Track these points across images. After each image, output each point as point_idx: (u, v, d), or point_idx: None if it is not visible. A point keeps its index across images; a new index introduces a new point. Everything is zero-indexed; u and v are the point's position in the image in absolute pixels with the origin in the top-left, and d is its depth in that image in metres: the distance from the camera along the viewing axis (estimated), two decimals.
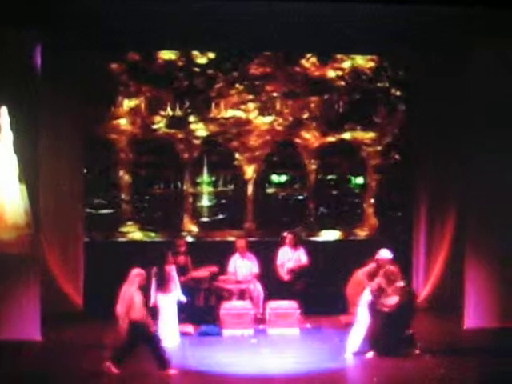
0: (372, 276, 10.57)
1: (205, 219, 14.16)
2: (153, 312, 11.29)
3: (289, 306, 12.14)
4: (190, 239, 13.71)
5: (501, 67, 11.75)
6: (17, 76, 11.17)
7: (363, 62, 14.11)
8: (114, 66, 13.60)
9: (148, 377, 9.84)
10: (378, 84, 14.16)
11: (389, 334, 10.36)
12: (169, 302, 11.42)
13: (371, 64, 14.13)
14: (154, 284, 11.44)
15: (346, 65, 14.08)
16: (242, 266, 12.84)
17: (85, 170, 13.37)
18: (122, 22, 12.01)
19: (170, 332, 11.33)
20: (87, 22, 11.97)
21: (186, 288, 11.86)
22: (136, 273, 9.94)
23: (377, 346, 10.40)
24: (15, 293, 11.23)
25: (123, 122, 13.73)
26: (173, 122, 13.86)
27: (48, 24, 11.52)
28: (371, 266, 10.71)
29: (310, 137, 14.12)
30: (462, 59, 12.21)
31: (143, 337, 9.72)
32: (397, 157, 14.29)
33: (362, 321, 10.62)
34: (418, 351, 10.52)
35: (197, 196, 14.12)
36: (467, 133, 12.18)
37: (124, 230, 13.88)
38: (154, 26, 12.15)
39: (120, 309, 9.78)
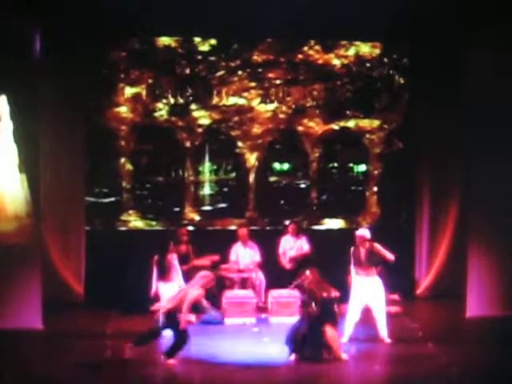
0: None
1: (206, 208, 14.14)
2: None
3: (291, 294, 12.10)
4: (191, 228, 13.67)
5: (503, 54, 11.70)
6: (16, 64, 11.12)
7: (367, 49, 14.01)
8: (114, 53, 13.52)
9: (148, 365, 9.88)
10: (382, 72, 14.07)
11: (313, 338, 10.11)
12: (170, 290, 11.38)
13: (375, 51, 14.04)
14: (156, 273, 11.44)
15: (350, 52, 13.99)
16: (244, 255, 12.88)
17: (85, 159, 13.30)
18: (122, 7, 12.06)
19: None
20: (87, 9, 12.02)
21: (188, 277, 11.77)
22: (202, 275, 10.23)
23: (299, 349, 10.11)
24: (17, 282, 11.26)
25: (124, 110, 13.66)
26: (174, 110, 13.79)
27: (47, 11, 11.53)
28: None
29: (313, 125, 14.06)
30: (464, 47, 12.20)
31: (174, 328, 9.95)
32: (400, 145, 14.23)
33: (354, 307, 10.80)
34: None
35: (198, 184, 14.08)
36: (470, 121, 12.14)
37: (125, 218, 13.85)
38: (155, 11, 12.17)
39: (168, 301, 10.06)
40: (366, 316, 10.93)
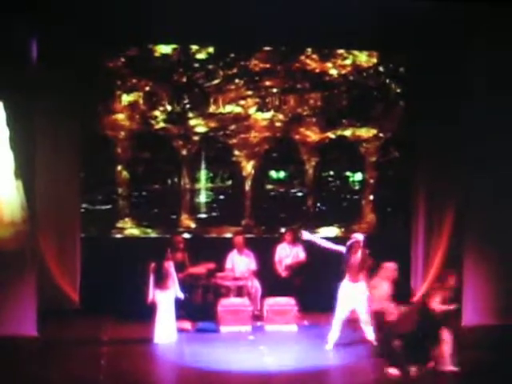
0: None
1: (202, 215, 14.17)
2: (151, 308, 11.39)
3: (286, 302, 12.18)
4: (187, 235, 13.69)
5: (500, 64, 11.76)
6: (13, 71, 11.14)
7: (363, 58, 14.09)
8: (111, 60, 13.56)
9: (144, 373, 9.87)
10: (378, 81, 14.15)
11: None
12: (166, 298, 11.42)
13: (371, 61, 14.11)
14: (152, 280, 11.43)
15: (347, 61, 14.06)
16: (240, 263, 12.85)
17: (81, 166, 13.31)
18: (120, 15, 12.04)
19: (167, 328, 11.35)
20: (84, 16, 11.98)
21: (184, 284, 11.88)
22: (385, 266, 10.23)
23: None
24: (12, 288, 11.25)
25: (121, 118, 13.69)
26: (171, 118, 13.84)
27: (45, 18, 11.53)
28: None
29: (310, 133, 14.12)
30: (461, 55, 12.25)
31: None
32: (396, 153, 14.30)
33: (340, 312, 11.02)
34: None
35: (194, 192, 14.12)
36: (466, 129, 12.20)
37: (121, 225, 13.87)
38: (153, 20, 12.17)
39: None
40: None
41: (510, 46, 11.72)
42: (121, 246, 13.54)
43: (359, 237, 11.29)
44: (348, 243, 11.22)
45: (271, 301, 12.33)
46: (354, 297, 11.01)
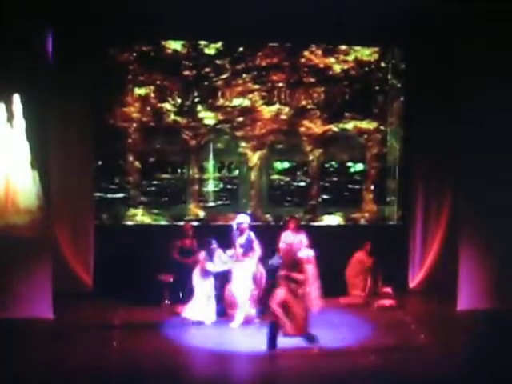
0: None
1: (210, 204, 14.38)
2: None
3: None
4: (195, 223, 13.89)
5: (494, 57, 12.04)
6: (28, 64, 11.39)
7: (365, 54, 14.29)
8: (124, 55, 13.77)
9: (151, 355, 10.20)
10: (379, 76, 14.35)
11: None
12: (206, 284, 11.85)
13: (373, 56, 14.31)
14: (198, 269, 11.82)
15: (349, 57, 14.25)
16: None
17: (95, 156, 13.57)
18: (132, 12, 12.37)
19: (204, 309, 11.79)
20: (98, 13, 12.29)
21: (191, 270, 12.07)
22: None
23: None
24: (29, 273, 11.58)
25: (132, 110, 13.91)
26: (181, 110, 14.03)
27: (60, 15, 11.83)
28: None
29: (313, 125, 14.32)
30: (458, 50, 12.50)
31: None
32: (396, 146, 14.47)
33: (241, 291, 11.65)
34: None
35: (203, 181, 14.30)
36: (463, 122, 12.44)
37: (132, 213, 14.09)
38: (163, 16, 12.49)
39: None
40: None
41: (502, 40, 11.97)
42: (132, 233, 13.77)
43: (244, 218, 11.61)
44: (234, 224, 11.63)
45: None
46: (243, 275, 11.54)
